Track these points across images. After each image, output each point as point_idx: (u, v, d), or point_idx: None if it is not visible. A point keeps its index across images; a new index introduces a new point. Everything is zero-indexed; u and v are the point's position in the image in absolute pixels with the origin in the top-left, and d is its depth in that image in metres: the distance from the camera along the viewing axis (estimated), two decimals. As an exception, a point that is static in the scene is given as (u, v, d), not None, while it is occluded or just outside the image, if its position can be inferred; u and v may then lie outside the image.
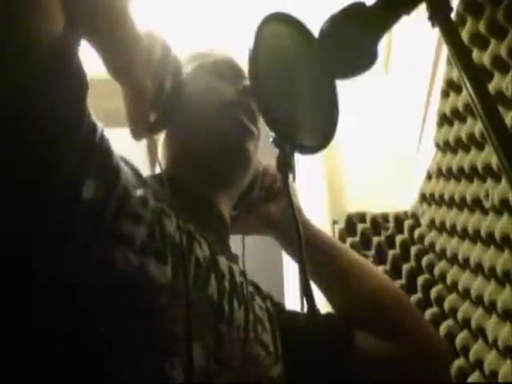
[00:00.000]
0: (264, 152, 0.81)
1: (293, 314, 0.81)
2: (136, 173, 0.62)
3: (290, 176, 0.61)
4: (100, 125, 0.56)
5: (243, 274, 0.73)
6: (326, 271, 0.84)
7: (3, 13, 0.44)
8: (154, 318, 0.53)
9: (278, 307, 0.81)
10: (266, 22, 0.64)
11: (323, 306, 0.83)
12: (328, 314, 0.82)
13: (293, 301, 1.59)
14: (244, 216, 0.86)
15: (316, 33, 0.64)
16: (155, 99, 0.63)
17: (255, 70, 0.61)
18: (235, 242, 0.81)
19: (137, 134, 0.62)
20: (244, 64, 0.70)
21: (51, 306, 0.48)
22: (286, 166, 0.61)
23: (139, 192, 0.59)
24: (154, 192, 0.63)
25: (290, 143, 0.62)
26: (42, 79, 0.48)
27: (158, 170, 0.77)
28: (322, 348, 0.69)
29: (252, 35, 0.62)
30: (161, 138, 0.78)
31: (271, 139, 0.62)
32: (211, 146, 0.74)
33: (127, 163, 0.62)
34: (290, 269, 1.80)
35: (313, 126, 0.68)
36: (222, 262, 0.68)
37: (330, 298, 0.84)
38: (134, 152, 0.75)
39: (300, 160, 0.67)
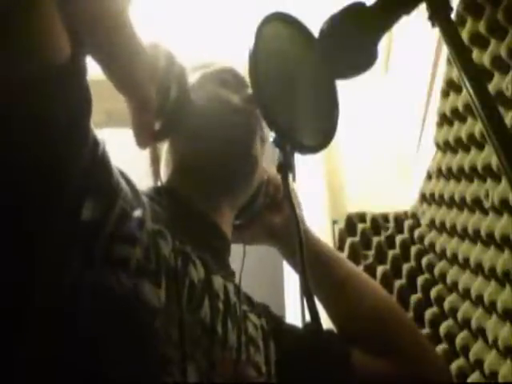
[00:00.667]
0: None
1: (291, 327, 0.81)
2: (135, 192, 0.62)
3: (290, 176, 0.61)
4: (102, 141, 0.56)
5: (237, 292, 0.72)
6: (324, 282, 0.83)
7: (7, 38, 0.43)
8: (148, 341, 0.53)
9: (277, 320, 0.80)
10: (266, 22, 0.64)
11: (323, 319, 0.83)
12: (327, 331, 0.82)
13: (293, 311, 1.59)
14: (247, 225, 0.86)
15: (316, 33, 0.64)
16: (160, 108, 0.63)
17: (255, 70, 0.61)
18: (236, 251, 0.80)
19: (141, 143, 0.62)
20: (245, 69, 0.70)
21: (45, 330, 0.48)
22: (286, 166, 0.61)
23: (137, 213, 0.58)
24: (151, 211, 0.63)
25: (290, 143, 0.62)
26: (50, 102, 0.47)
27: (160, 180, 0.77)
28: (320, 362, 0.69)
29: (252, 35, 0.62)
30: (164, 147, 0.78)
31: (271, 139, 0.62)
32: (218, 152, 0.74)
33: (126, 180, 0.61)
34: (291, 279, 1.80)
35: (313, 126, 0.68)
36: (217, 281, 0.68)
37: (328, 309, 0.84)
38: (136, 153, 0.75)
39: (300, 160, 0.67)
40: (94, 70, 0.52)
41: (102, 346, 0.50)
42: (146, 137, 0.61)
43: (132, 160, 0.64)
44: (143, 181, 0.81)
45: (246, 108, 0.75)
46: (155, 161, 0.80)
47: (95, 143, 0.54)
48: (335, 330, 0.84)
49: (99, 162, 0.55)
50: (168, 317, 0.56)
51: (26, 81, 0.45)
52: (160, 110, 0.63)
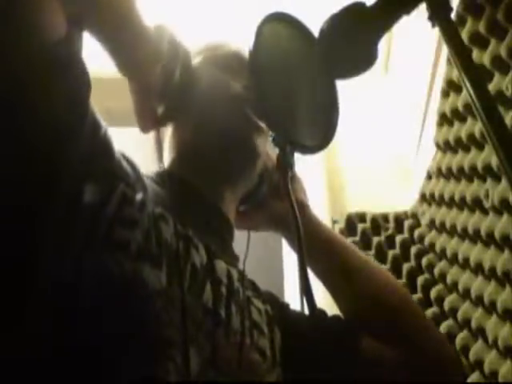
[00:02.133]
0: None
1: (298, 313, 0.80)
2: (137, 174, 0.61)
3: (290, 176, 0.61)
4: (104, 123, 0.56)
5: (241, 277, 0.72)
6: (333, 269, 0.83)
7: (6, 17, 0.44)
8: (149, 323, 0.53)
9: (282, 306, 0.80)
10: (266, 22, 0.64)
11: (327, 306, 0.82)
12: (334, 316, 0.81)
13: (293, 300, 1.59)
14: (252, 212, 0.86)
15: (316, 33, 0.64)
16: (163, 91, 0.62)
17: (255, 70, 0.61)
18: (239, 237, 0.80)
19: (144, 127, 0.61)
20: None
21: (45, 313, 0.48)
22: (285, 165, 0.61)
23: (138, 196, 0.58)
24: (154, 194, 0.62)
25: (290, 143, 0.62)
26: (46, 81, 0.47)
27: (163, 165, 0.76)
28: (325, 349, 0.69)
29: (252, 35, 0.62)
30: (167, 132, 0.78)
31: (271, 139, 0.63)
32: (218, 140, 0.73)
33: (129, 163, 0.61)
34: (290, 267, 1.80)
35: (313, 126, 0.68)
36: (220, 266, 0.67)
37: (337, 297, 0.83)
38: (136, 151, 0.74)
39: (300, 160, 0.67)
40: (93, 69, 0.52)
41: (101, 329, 0.50)
42: (149, 121, 0.61)
43: (132, 158, 0.64)
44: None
45: (247, 96, 0.74)
46: (159, 146, 0.80)
47: (96, 125, 0.54)
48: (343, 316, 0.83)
49: (100, 144, 0.54)
50: (169, 299, 0.55)
51: (21, 58, 0.45)
52: (163, 93, 0.62)
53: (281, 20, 0.67)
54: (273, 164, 0.85)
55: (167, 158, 0.77)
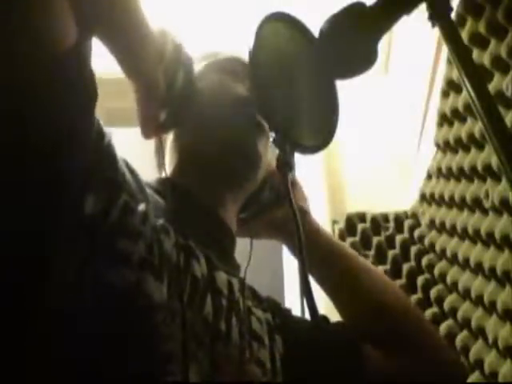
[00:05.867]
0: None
1: (300, 320, 0.80)
2: (139, 184, 0.61)
3: (290, 176, 0.61)
4: (108, 132, 0.55)
5: (242, 286, 0.71)
6: (335, 276, 0.83)
7: (15, 25, 0.43)
8: (149, 337, 0.53)
9: (285, 313, 0.79)
10: (266, 22, 0.64)
11: (328, 311, 0.82)
12: (336, 324, 0.81)
13: (293, 305, 1.59)
14: (253, 219, 0.85)
15: (316, 33, 0.64)
16: (166, 96, 0.62)
17: (255, 70, 0.61)
18: (239, 246, 0.80)
19: (146, 133, 0.61)
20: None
21: (46, 325, 0.48)
22: (285, 165, 0.61)
23: (141, 207, 0.58)
24: (155, 204, 0.62)
25: (289, 143, 0.62)
26: (53, 90, 0.47)
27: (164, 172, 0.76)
28: (326, 358, 0.68)
29: (252, 35, 0.62)
30: (169, 139, 0.78)
31: (271, 139, 0.62)
32: (222, 142, 0.73)
33: (132, 172, 0.60)
34: (291, 272, 1.80)
35: (313, 126, 0.67)
36: (221, 277, 0.67)
37: (338, 303, 0.83)
38: (137, 153, 0.74)
39: (300, 160, 0.67)
40: (95, 69, 0.52)
41: (101, 342, 0.50)
42: (152, 127, 0.61)
43: (133, 159, 0.63)
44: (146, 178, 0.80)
45: (250, 97, 0.74)
46: (160, 152, 0.79)
47: (100, 134, 0.54)
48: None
49: (104, 154, 0.54)
50: (170, 313, 0.55)
51: (31, 66, 0.45)
52: (166, 99, 0.62)
53: (281, 20, 0.66)
54: (273, 170, 0.85)
55: (168, 164, 0.77)
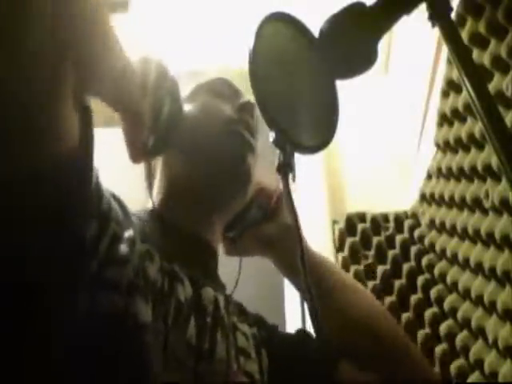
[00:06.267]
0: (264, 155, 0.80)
1: (284, 336, 0.81)
2: (125, 212, 0.62)
3: (290, 176, 0.61)
4: (95, 168, 0.55)
5: (227, 304, 0.72)
6: (322, 291, 0.82)
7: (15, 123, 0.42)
8: (139, 355, 0.54)
9: (270, 329, 0.80)
10: (266, 22, 0.64)
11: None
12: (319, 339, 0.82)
13: (293, 319, 1.59)
14: (241, 237, 0.85)
15: (316, 33, 0.64)
16: (153, 123, 0.63)
17: (255, 70, 0.61)
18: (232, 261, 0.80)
19: (134, 158, 0.62)
20: (243, 70, 0.70)
21: (38, 353, 0.49)
22: (286, 166, 0.61)
23: (128, 234, 0.59)
24: (140, 230, 0.63)
25: (290, 143, 0.62)
26: (62, 190, 0.48)
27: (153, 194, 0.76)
28: (304, 373, 0.69)
29: (252, 35, 0.62)
30: (158, 163, 0.78)
31: (271, 139, 0.62)
32: (212, 162, 0.74)
33: (118, 201, 0.62)
34: (291, 287, 1.79)
35: (313, 126, 0.67)
36: (207, 294, 0.68)
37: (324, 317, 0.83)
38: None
39: (300, 160, 0.67)
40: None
41: (93, 362, 0.50)
42: (139, 153, 0.61)
43: (119, 197, 0.64)
44: (140, 179, 0.80)
45: (239, 117, 0.75)
46: (149, 176, 0.80)
47: (92, 178, 0.54)
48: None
49: (94, 193, 0.55)
50: (154, 334, 0.57)
51: (34, 172, 0.44)
52: (153, 125, 0.63)
53: (281, 20, 0.66)
54: (260, 187, 0.85)
55: (157, 192, 0.77)
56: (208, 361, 0.63)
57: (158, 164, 0.78)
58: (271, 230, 0.85)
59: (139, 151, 0.61)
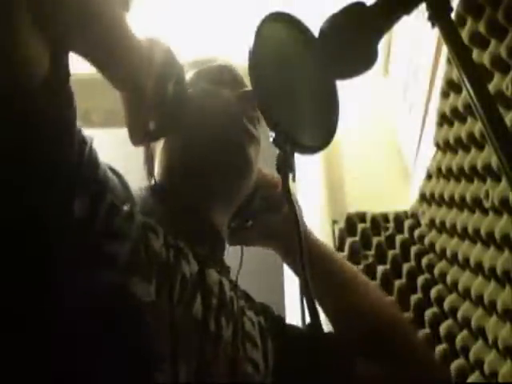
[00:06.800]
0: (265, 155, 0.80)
1: (292, 328, 0.80)
2: (125, 185, 0.61)
3: (290, 176, 0.61)
4: (89, 138, 0.55)
5: (234, 287, 0.71)
6: (324, 285, 0.81)
7: None
8: (138, 337, 0.53)
9: (276, 320, 0.79)
10: (266, 22, 0.64)
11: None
12: (330, 334, 0.80)
13: (293, 310, 1.58)
14: (244, 227, 0.85)
15: (316, 33, 0.64)
16: (157, 105, 0.62)
17: (255, 70, 0.60)
18: (234, 251, 0.80)
19: (136, 141, 0.61)
20: (244, 68, 0.70)
21: (34, 329, 0.49)
22: (286, 166, 0.61)
23: (126, 207, 0.58)
24: (143, 206, 0.63)
25: (290, 143, 0.62)
26: (37, 114, 0.48)
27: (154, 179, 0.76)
28: (318, 370, 0.69)
29: (252, 35, 0.62)
30: (158, 146, 0.78)
31: (271, 139, 0.62)
32: (213, 150, 0.73)
33: (116, 174, 0.61)
34: (291, 280, 1.80)
35: (313, 126, 0.67)
36: (212, 276, 0.67)
37: (327, 311, 0.82)
38: (133, 153, 0.74)
39: (300, 160, 0.67)
40: (92, 69, 0.52)
41: (91, 344, 0.50)
42: (140, 135, 0.61)
43: (130, 159, 0.64)
44: (140, 180, 0.80)
45: (241, 105, 0.74)
46: (149, 159, 0.80)
47: (82, 142, 0.54)
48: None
49: (86, 159, 0.54)
50: (159, 312, 0.56)
51: (7, 96, 0.45)
52: (157, 108, 0.62)
53: (281, 20, 0.66)
54: (264, 178, 0.84)
55: (157, 171, 0.77)
56: (214, 343, 0.62)
57: (158, 146, 0.78)
58: (276, 220, 0.85)
59: (139, 133, 0.60)
